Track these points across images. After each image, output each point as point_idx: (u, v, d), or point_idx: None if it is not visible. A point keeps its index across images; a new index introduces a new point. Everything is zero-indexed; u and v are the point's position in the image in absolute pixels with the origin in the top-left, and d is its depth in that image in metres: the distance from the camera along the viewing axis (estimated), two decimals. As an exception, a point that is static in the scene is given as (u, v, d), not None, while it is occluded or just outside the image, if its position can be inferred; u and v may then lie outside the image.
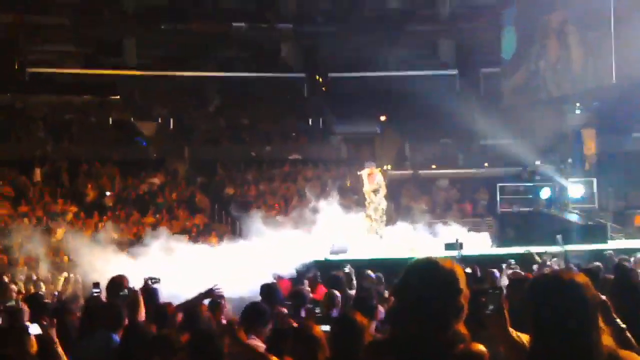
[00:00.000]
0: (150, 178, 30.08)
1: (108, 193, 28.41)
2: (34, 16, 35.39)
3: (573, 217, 25.13)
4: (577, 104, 31.11)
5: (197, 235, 24.92)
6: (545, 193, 26.03)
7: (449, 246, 17.80)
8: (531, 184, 27.09)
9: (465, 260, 13.87)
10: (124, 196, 28.79)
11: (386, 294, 10.48)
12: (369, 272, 12.82)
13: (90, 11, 36.13)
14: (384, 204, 20.67)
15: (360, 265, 13.89)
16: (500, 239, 22.50)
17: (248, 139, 34.46)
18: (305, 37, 38.64)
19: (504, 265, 13.77)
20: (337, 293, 9.29)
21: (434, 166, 32.79)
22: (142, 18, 36.93)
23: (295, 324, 6.82)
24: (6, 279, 13.12)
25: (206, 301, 8.37)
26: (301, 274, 14.26)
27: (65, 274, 15.54)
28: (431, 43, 39.48)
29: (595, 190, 26.57)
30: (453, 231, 21.18)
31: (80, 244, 16.45)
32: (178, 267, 13.72)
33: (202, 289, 8.60)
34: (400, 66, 37.25)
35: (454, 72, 38.60)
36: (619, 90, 27.61)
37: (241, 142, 34.14)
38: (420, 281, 3.58)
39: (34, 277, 16.83)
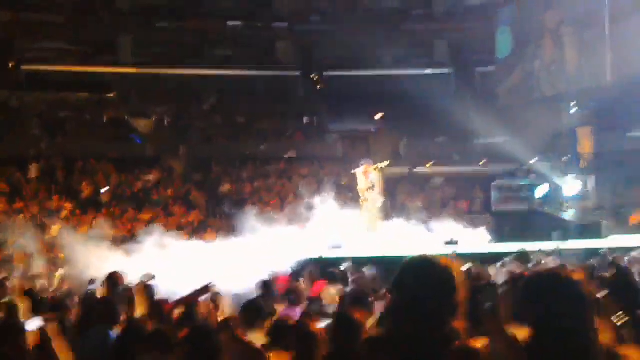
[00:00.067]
0: (146, 175, 30.09)
1: (103, 190, 28.40)
2: (30, 14, 35.33)
3: (568, 215, 25.18)
4: (573, 103, 31.13)
5: (192, 232, 24.93)
6: (541, 191, 26.09)
7: (446, 243, 17.84)
8: (527, 182, 27.14)
9: (461, 258, 13.89)
10: (120, 193, 28.80)
11: (383, 290, 10.50)
12: (366, 268, 12.84)
13: (86, 9, 36.08)
14: (379, 201, 20.69)
15: (357, 262, 13.90)
16: (496, 237, 22.52)
17: (243, 136, 34.46)
18: (300, 35, 38.64)
19: (499, 263, 13.77)
20: (334, 289, 9.30)
21: (429, 164, 32.80)
22: (138, 16, 36.89)
23: (293, 321, 6.82)
24: (1, 276, 13.10)
25: (203, 297, 8.38)
26: (298, 271, 14.26)
27: (61, 271, 15.54)
28: (427, 42, 39.47)
29: (590, 188, 26.62)
30: (449, 228, 21.21)
31: (76, 240, 16.44)
32: (173, 264, 13.72)
33: (198, 285, 8.61)
34: (396, 65, 37.29)
35: (450, 70, 38.64)
36: (615, 89, 27.65)
37: (237, 140, 34.15)
38: (415, 279, 3.58)
39: (30, 274, 16.82)
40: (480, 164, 31.96)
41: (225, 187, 30.02)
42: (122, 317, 7.10)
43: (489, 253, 17.15)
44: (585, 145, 29.28)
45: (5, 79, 34.43)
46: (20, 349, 5.40)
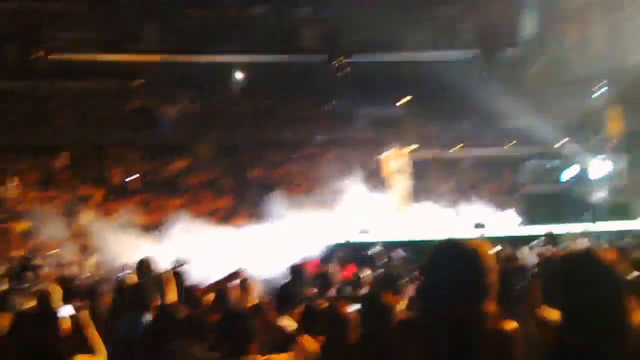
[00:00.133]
0: (175, 161, 30.24)
1: (133, 177, 28.59)
2: (55, 3, 35.53)
3: (599, 196, 24.97)
4: (602, 83, 30.83)
5: (222, 217, 25.02)
6: (570, 172, 25.86)
7: (475, 226, 17.77)
8: (557, 163, 26.93)
9: (491, 241, 13.85)
10: (149, 180, 28.96)
11: (414, 273, 10.50)
12: (397, 251, 12.85)
13: (111, -3, 36.29)
14: (408, 185, 20.66)
15: (387, 246, 13.91)
16: (527, 219, 22.40)
17: (271, 121, 34.49)
18: (325, 20, 38.53)
19: (532, 244, 13.73)
20: (365, 272, 9.31)
21: (458, 147, 32.67)
22: (163, 3, 36.95)
23: (324, 305, 6.84)
24: (36, 263, 13.22)
25: (234, 283, 8.40)
26: (328, 255, 14.29)
27: (94, 257, 15.67)
28: (452, 24, 39.21)
29: (620, 168, 26.34)
30: (478, 211, 21.14)
31: (107, 227, 16.56)
32: (203, 250, 13.78)
33: (228, 271, 8.65)
34: (422, 48, 37.08)
35: (476, 53, 38.38)
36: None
37: (265, 125, 34.18)
38: (446, 261, 3.57)
39: (63, 261, 16.98)
40: (509, 146, 31.79)
41: (254, 173, 30.08)
42: (154, 304, 7.11)
43: (519, 236, 17.09)
44: (615, 125, 28.97)
45: (32, 68, 34.68)
46: (54, 336, 5.45)
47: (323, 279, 9.30)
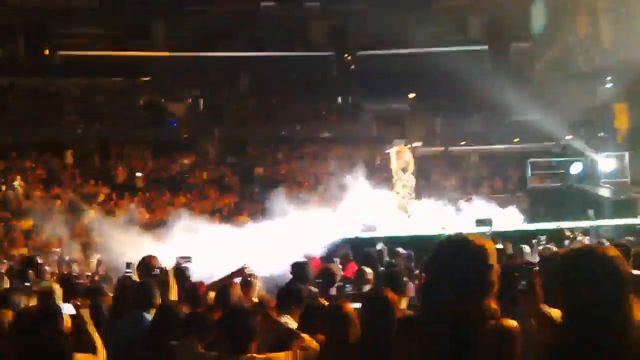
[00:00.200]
0: (181, 158, 30.26)
1: (139, 174, 28.60)
2: (63, 0, 35.60)
3: (604, 192, 24.90)
4: (609, 78, 30.75)
5: (227, 214, 25.02)
6: (576, 168, 25.80)
7: (479, 222, 17.71)
8: (562, 159, 26.87)
9: (496, 237, 13.80)
10: (155, 177, 28.98)
11: (417, 271, 10.47)
12: (400, 249, 12.81)
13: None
14: (412, 181, 20.62)
15: (390, 243, 13.88)
16: (531, 215, 22.35)
17: (278, 118, 34.49)
18: (333, 15, 38.49)
19: (534, 241, 13.67)
20: (368, 270, 9.27)
21: (464, 142, 32.64)
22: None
23: (326, 302, 6.82)
24: (39, 260, 13.21)
25: (237, 280, 8.38)
26: (331, 252, 14.25)
27: (97, 256, 15.66)
28: (460, 19, 39.16)
29: (627, 164, 26.27)
30: (483, 207, 21.07)
31: (112, 225, 16.54)
32: (207, 247, 13.75)
33: (232, 268, 8.62)
34: (430, 43, 37.02)
35: (484, 47, 38.30)
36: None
37: (271, 122, 34.19)
38: (450, 258, 3.56)
39: (66, 258, 16.97)
40: (515, 141, 31.74)
41: (260, 169, 30.09)
42: (157, 301, 7.10)
43: (524, 231, 17.04)
44: (622, 121, 28.93)
45: (41, 65, 34.76)
46: (56, 335, 5.43)
47: (325, 277, 9.28)
